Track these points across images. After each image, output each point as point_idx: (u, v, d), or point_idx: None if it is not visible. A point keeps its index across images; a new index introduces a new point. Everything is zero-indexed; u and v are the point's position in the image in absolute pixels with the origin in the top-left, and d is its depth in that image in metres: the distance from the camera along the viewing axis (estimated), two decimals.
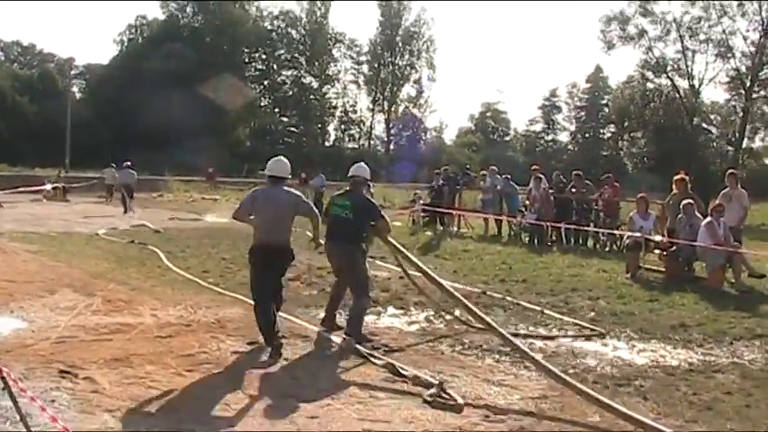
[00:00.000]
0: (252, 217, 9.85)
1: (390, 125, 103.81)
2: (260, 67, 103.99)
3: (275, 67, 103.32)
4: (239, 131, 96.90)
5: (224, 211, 34.40)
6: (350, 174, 10.55)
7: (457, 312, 11.23)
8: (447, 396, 7.37)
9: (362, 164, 10.83)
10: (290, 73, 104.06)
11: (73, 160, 64.95)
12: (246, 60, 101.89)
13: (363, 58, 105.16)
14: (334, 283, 10.89)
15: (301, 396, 7.46)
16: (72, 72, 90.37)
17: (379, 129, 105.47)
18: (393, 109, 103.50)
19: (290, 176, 10.04)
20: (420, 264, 10.59)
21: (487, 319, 9.50)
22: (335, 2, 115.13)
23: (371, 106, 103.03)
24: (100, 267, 15.95)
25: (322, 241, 10.20)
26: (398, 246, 10.75)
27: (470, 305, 9.65)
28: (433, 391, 7.47)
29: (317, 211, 10.00)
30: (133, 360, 8.39)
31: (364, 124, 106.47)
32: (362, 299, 10.07)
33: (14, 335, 9.46)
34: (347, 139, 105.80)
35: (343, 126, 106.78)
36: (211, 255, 18.85)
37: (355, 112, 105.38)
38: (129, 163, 37.00)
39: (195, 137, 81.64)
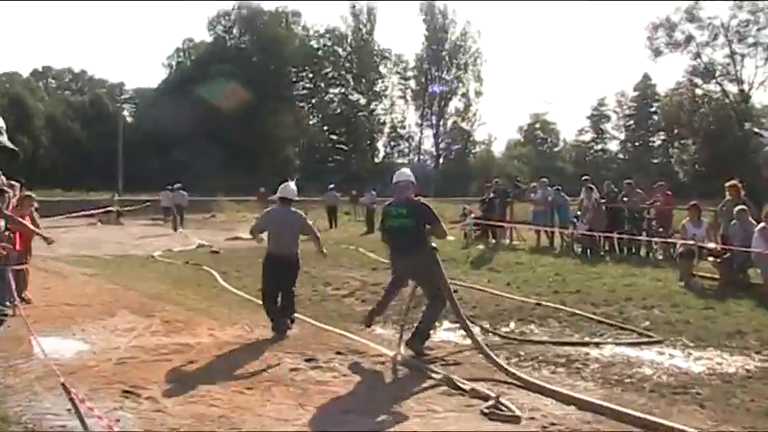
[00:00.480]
0: (264, 233, 11.88)
1: (439, 139, 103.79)
2: (307, 85, 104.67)
3: (322, 85, 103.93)
4: (288, 150, 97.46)
5: None
6: (394, 181, 10.40)
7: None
8: (504, 408, 7.42)
9: (404, 169, 10.78)
10: (337, 90, 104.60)
11: (125, 184, 65.85)
12: (294, 79, 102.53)
13: (410, 74, 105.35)
14: (388, 288, 10.86)
15: (360, 411, 7.54)
16: (122, 96, 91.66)
17: (428, 143, 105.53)
18: (441, 123, 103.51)
19: (297, 199, 12.06)
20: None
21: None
22: (381, 18, 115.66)
23: (419, 121, 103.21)
24: (156, 289, 16.22)
25: (325, 250, 12.32)
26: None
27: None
28: (490, 403, 7.52)
29: (315, 229, 12.22)
30: (193, 379, 8.52)
31: (413, 139, 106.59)
32: (437, 309, 10.20)
33: (77, 357, 9.65)
34: (396, 154, 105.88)
35: (391, 142, 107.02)
36: (257, 270, 18.98)
37: (404, 127, 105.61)
38: (179, 185, 40.24)
39: (245, 157, 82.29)
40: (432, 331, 10.26)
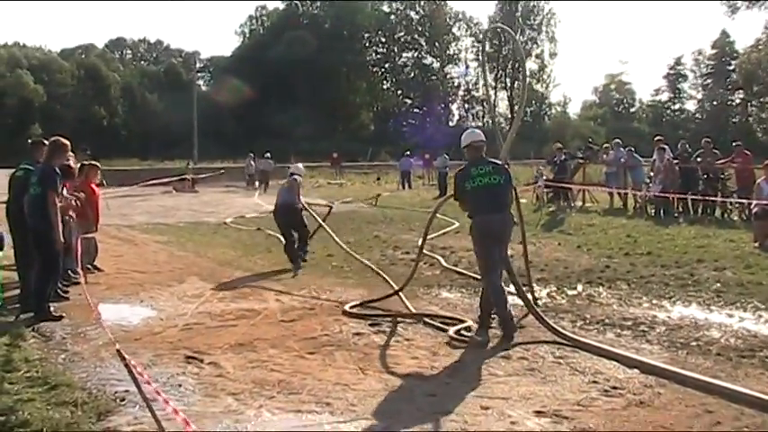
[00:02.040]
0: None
1: (513, 102, 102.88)
2: (380, 50, 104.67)
3: (396, 49, 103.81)
4: (363, 115, 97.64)
5: (348, 195, 34.77)
6: (465, 143, 9.86)
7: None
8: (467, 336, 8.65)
9: (474, 129, 10.37)
10: (410, 55, 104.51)
11: (200, 152, 66.61)
12: (367, 44, 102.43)
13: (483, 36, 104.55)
14: (485, 263, 9.68)
15: (420, 375, 7.53)
16: (197, 65, 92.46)
17: (503, 106, 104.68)
18: (515, 85, 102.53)
19: (303, 173, 16.83)
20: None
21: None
22: None
23: (494, 84, 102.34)
24: (227, 256, 16.37)
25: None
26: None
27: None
28: (457, 328, 8.95)
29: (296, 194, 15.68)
30: (257, 344, 8.57)
31: (487, 102, 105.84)
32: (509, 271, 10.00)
33: (144, 323, 9.80)
34: (471, 118, 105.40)
35: (466, 105, 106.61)
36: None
37: (478, 90, 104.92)
38: (268, 154, 45.23)
39: (319, 122, 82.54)
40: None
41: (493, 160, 9.78)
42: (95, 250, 13.76)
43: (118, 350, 6.75)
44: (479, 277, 10.23)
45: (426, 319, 9.79)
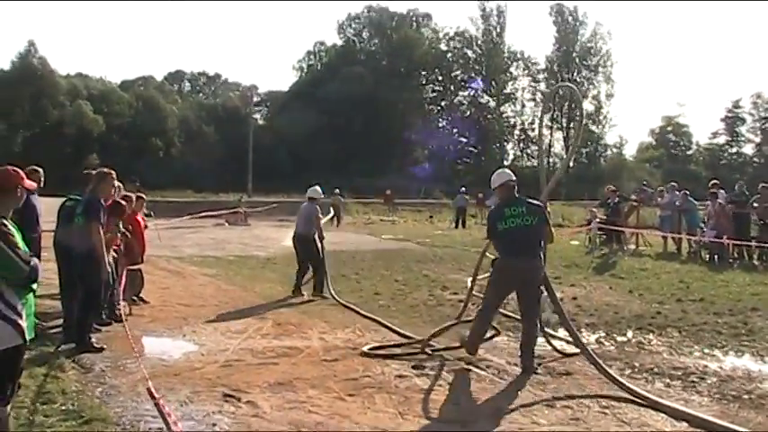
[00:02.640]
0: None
1: (569, 142, 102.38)
2: (436, 88, 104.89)
3: (452, 87, 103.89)
4: (417, 152, 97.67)
5: (400, 233, 34.67)
6: (497, 183, 9.79)
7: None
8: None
9: (504, 169, 10.18)
10: (466, 93, 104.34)
11: (255, 185, 67.05)
12: (423, 82, 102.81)
13: (541, 76, 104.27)
14: (490, 301, 9.85)
15: (461, 421, 7.34)
16: (254, 99, 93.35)
17: (558, 147, 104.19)
18: (571, 125, 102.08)
19: (321, 197, 16.78)
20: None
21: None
22: (511, 19, 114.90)
23: (549, 123, 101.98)
24: (273, 291, 16.32)
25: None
26: None
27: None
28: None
29: (319, 224, 16.32)
30: (296, 384, 8.43)
31: (543, 142, 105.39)
32: (536, 322, 9.65)
33: (184, 358, 9.72)
34: (525, 157, 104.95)
35: (521, 144, 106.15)
36: (384, 276, 19.03)
37: (533, 129, 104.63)
38: (338, 190, 45.66)
39: (373, 158, 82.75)
40: (536, 342, 9.73)
41: (529, 200, 9.68)
42: (141, 282, 13.76)
43: (148, 389, 6.64)
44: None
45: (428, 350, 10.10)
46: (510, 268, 9.42)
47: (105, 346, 9.94)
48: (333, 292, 15.54)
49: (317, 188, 16.86)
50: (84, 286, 10.09)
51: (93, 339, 10.02)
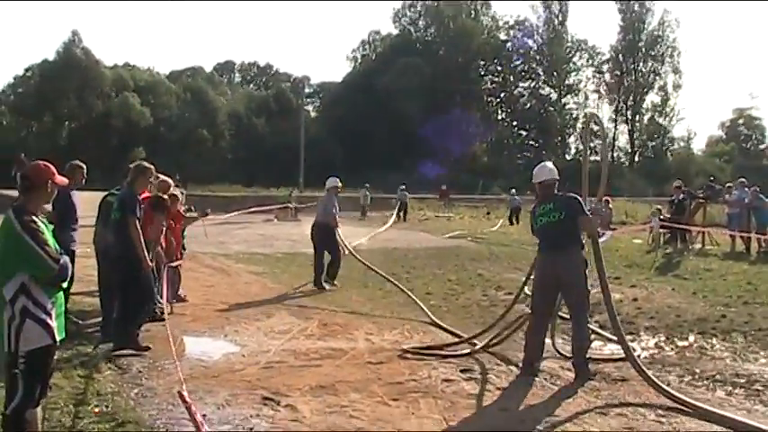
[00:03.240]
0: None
1: (634, 135, 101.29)
2: (495, 79, 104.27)
3: (511, 78, 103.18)
4: (475, 146, 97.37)
5: (455, 230, 34.58)
6: (537, 179, 9.76)
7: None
8: None
9: (547, 164, 10.06)
10: (527, 84, 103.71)
11: (306, 179, 67.21)
12: (482, 73, 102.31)
13: (605, 66, 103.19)
14: (534, 307, 9.73)
15: (510, 428, 7.30)
16: (306, 91, 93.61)
17: (623, 140, 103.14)
18: (637, 118, 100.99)
19: (339, 186, 18.15)
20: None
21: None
22: (573, 8, 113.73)
23: (614, 116, 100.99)
24: (320, 290, 16.34)
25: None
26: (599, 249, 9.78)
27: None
28: None
29: (333, 213, 17.44)
30: (338, 387, 8.43)
31: (607, 136, 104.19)
32: (585, 324, 9.45)
33: (224, 359, 9.76)
34: (588, 151, 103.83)
35: (583, 137, 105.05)
36: (437, 275, 19.04)
37: (597, 123, 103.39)
38: (403, 185, 48.60)
39: (430, 153, 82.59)
40: (588, 348, 9.59)
41: (561, 194, 9.71)
42: (179, 279, 13.83)
43: (179, 392, 6.66)
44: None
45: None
46: (543, 264, 9.53)
47: (151, 346, 9.99)
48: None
49: (336, 179, 18.13)
50: (124, 283, 10.06)
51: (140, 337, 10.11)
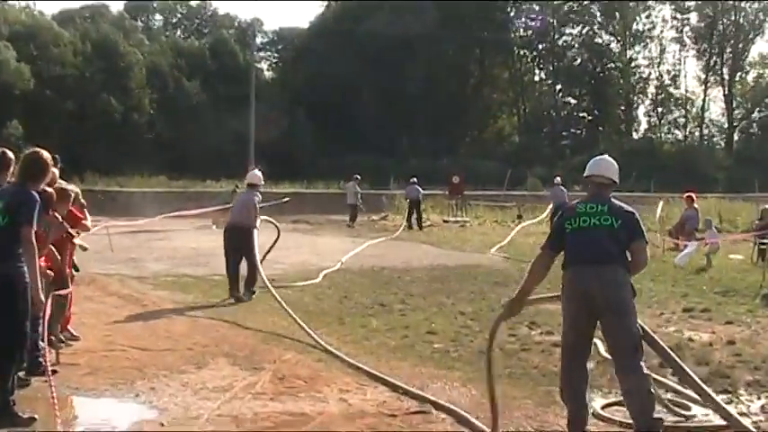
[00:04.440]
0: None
1: (733, 104, 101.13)
2: (531, 23, 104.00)
3: (554, 22, 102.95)
4: (503, 120, 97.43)
5: (470, 242, 34.63)
6: (590, 172, 9.83)
7: None
8: None
9: (606, 158, 10.10)
10: (576, 31, 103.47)
11: (260, 168, 67.03)
12: (512, 14, 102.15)
13: (690, 3, 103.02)
14: (569, 347, 9.50)
15: None
16: (258, 41, 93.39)
17: (716, 110, 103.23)
18: (737, 79, 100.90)
19: (262, 183, 21.28)
20: None
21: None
22: None
23: (703, 76, 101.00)
24: (277, 326, 16.34)
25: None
26: None
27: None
28: None
29: (252, 208, 20.04)
30: None
31: (693, 104, 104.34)
32: (641, 366, 9.10)
33: (136, 429, 9.72)
34: (666, 126, 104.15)
35: (659, 108, 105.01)
36: (444, 307, 18.99)
37: (678, 86, 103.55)
38: (414, 179, 48.67)
39: (436, 130, 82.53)
40: (653, 401, 9.32)
41: (619, 203, 9.67)
42: (68, 311, 13.74)
43: None
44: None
45: None
46: (574, 278, 9.29)
47: (36, 416, 9.82)
48: (267, 281, 18.98)
49: (257, 173, 21.17)
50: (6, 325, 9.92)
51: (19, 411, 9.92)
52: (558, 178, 46.19)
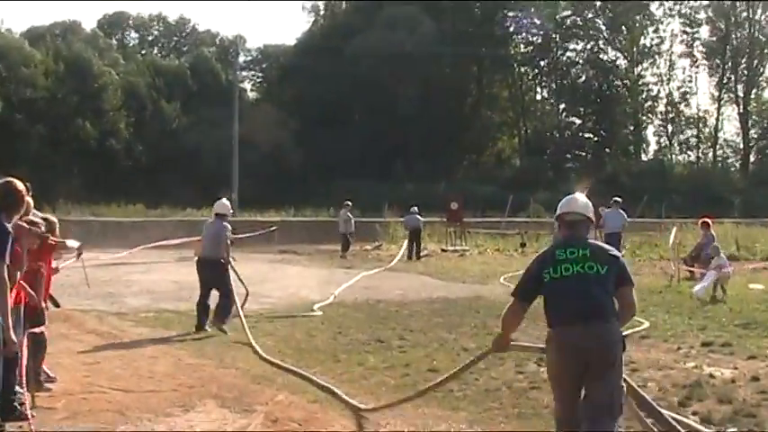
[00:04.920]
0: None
1: (749, 122, 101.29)
2: (533, 39, 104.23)
3: (557, 38, 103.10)
4: (503, 142, 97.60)
5: (470, 272, 34.65)
6: (562, 211, 9.87)
7: None
8: None
9: (578, 194, 10.17)
10: (580, 46, 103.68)
11: (244, 195, 66.94)
12: (511, 29, 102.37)
13: (701, 15, 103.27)
14: (563, 403, 9.42)
15: None
16: (241, 59, 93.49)
17: (731, 129, 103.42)
18: (753, 95, 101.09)
19: (230, 212, 22.04)
20: None
21: None
22: None
23: (716, 93, 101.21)
24: (267, 365, 16.26)
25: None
26: None
27: None
28: None
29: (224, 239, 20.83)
30: None
31: (705, 123, 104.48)
32: (612, 426, 8.99)
33: None
34: (677, 147, 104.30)
35: (670, 128, 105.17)
36: (446, 342, 18.94)
37: (689, 104, 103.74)
38: (415, 208, 48.93)
39: (432, 153, 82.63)
40: None
41: (599, 244, 9.85)
42: (43, 350, 13.69)
43: None
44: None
45: None
46: (570, 341, 9.08)
47: None
48: (242, 312, 20.19)
49: (225, 202, 21.99)
50: None
51: None
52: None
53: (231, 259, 20.92)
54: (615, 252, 9.61)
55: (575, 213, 9.66)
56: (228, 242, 21.13)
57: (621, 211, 37.39)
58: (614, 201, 37.71)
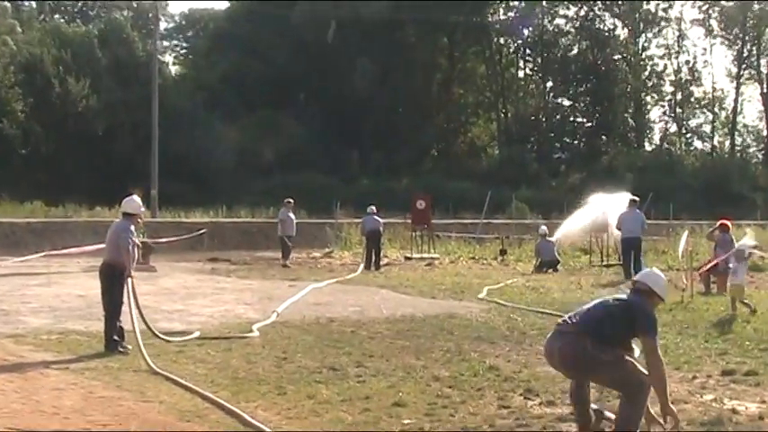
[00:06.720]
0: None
1: None
2: (514, 3, 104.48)
3: (544, 2, 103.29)
4: (478, 128, 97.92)
5: (441, 285, 34.72)
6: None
7: None
8: None
9: (655, 270, 11.56)
10: (571, 12, 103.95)
11: (163, 196, 66.70)
12: None
13: None
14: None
15: None
16: (162, 27, 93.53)
17: (751, 112, 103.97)
18: None
19: (140, 211, 21.89)
20: None
21: None
22: None
23: (735, 70, 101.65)
24: (197, 399, 16.19)
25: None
26: None
27: None
28: None
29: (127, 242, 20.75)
30: None
31: (722, 106, 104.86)
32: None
33: None
34: (687, 135, 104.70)
35: (678, 110, 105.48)
36: (413, 370, 18.90)
37: (701, 83, 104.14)
38: (373, 207, 49.72)
39: (393, 142, 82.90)
40: None
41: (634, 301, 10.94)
42: None
43: None
44: None
45: None
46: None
47: None
48: (138, 335, 19.91)
49: (135, 199, 21.93)
50: None
51: None
52: (544, 228, 46.43)
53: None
54: (648, 311, 10.97)
55: (643, 282, 11.26)
56: (130, 247, 20.84)
57: (639, 212, 37.50)
58: (631, 200, 37.88)
